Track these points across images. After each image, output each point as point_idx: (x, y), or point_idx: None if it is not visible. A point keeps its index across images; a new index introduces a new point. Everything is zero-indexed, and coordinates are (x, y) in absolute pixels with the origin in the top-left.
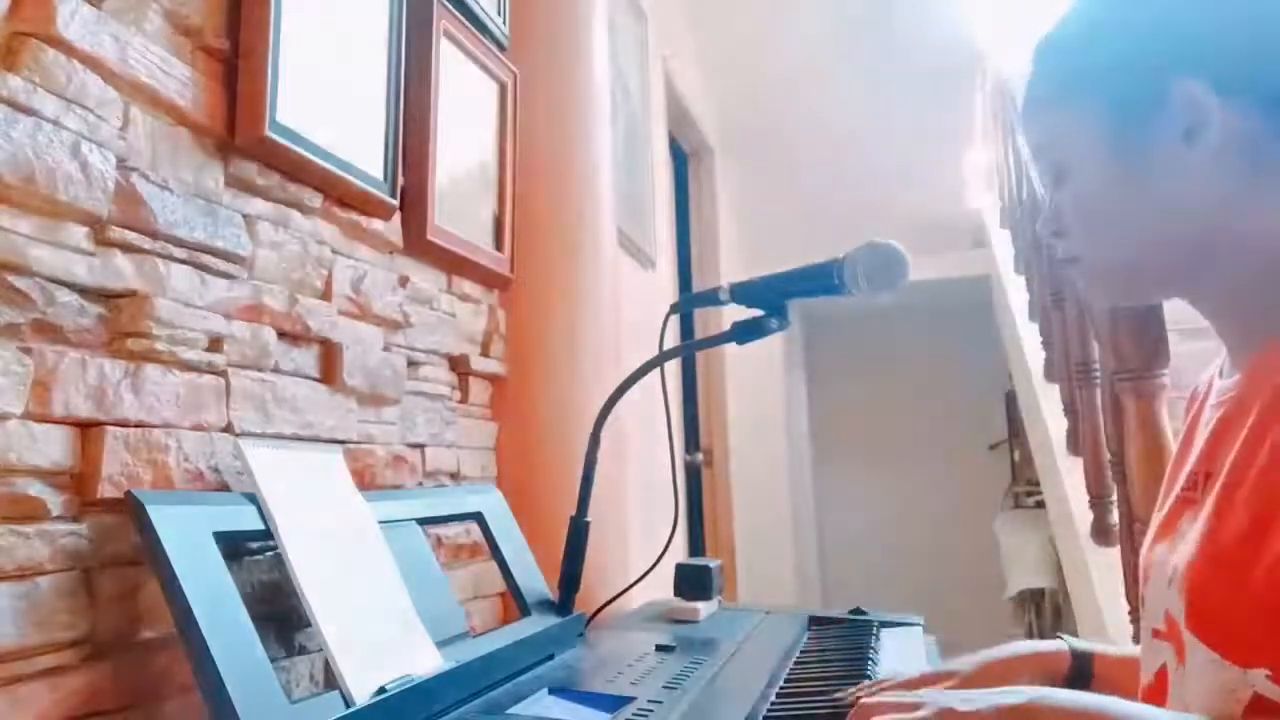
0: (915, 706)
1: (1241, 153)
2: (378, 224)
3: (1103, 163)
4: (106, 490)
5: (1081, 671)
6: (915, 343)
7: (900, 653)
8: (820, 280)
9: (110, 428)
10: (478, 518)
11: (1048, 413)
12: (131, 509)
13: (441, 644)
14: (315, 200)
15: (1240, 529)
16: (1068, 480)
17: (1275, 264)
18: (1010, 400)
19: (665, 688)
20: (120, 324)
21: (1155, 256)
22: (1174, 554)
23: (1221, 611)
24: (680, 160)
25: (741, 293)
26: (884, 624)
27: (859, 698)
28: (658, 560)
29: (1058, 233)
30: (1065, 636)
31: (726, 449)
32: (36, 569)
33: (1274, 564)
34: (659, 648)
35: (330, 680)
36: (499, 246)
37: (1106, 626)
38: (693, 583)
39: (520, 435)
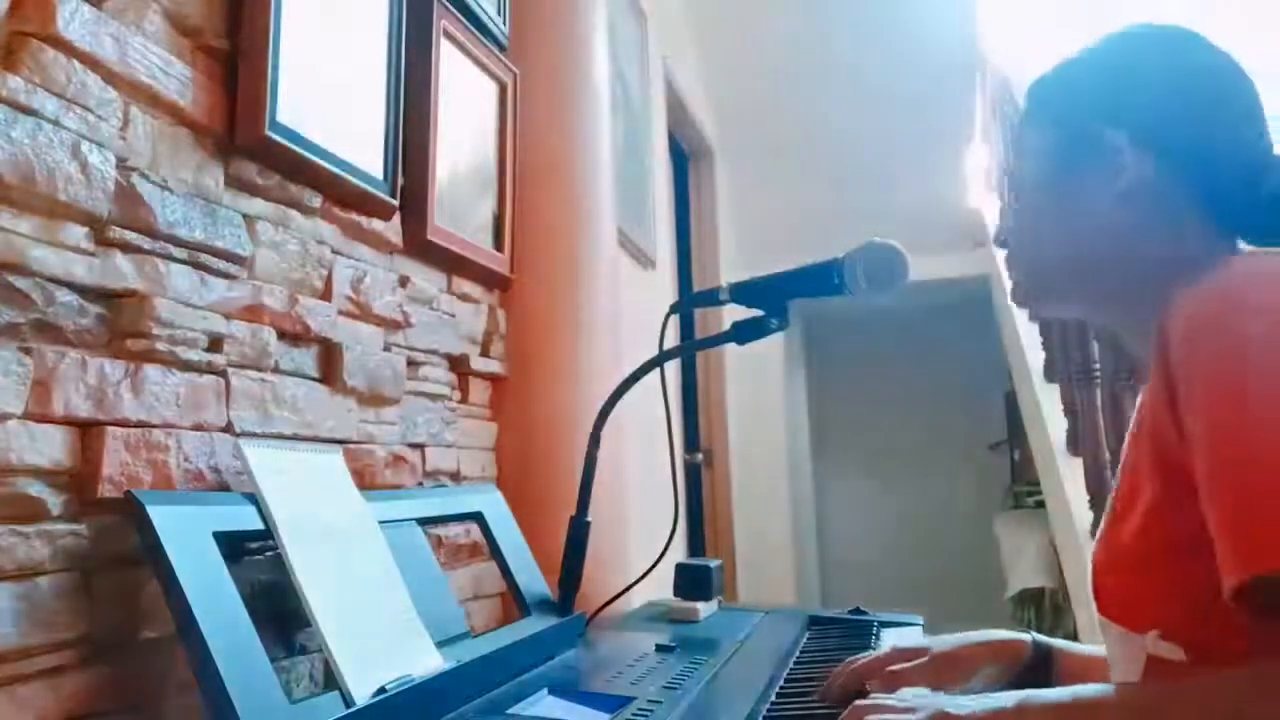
0: (909, 710)
1: (1145, 199)
2: (378, 224)
3: (1045, 181)
4: (106, 490)
5: (1041, 663)
6: (915, 343)
7: None
8: (820, 280)
9: (110, 428)
10: (478, 518)
11: (1048, 413)
12: (131, 509)
13: (441, 644)
14: (315, 200)
15: (1114, 517)
16: (1068, 480)
17: (1153, 291)
18: (1010, 400)
19: (665, 688)
20: (120, 324)
21: (1061, 266)
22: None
23: (1115, 586)
24: (680, 160)
25: (741, 293)
26: (884, 624)
27: (843, 683)
28: (658, 560)
29: (1006, 240)
30: (1033, 633)
31: (726, 449)
32: (36, 569)
33: (1138, 528)
34: (659, 648)
35: (330, 680)
36: (499, 246)
37: None
38: (693, 583)
39: (520, 435)
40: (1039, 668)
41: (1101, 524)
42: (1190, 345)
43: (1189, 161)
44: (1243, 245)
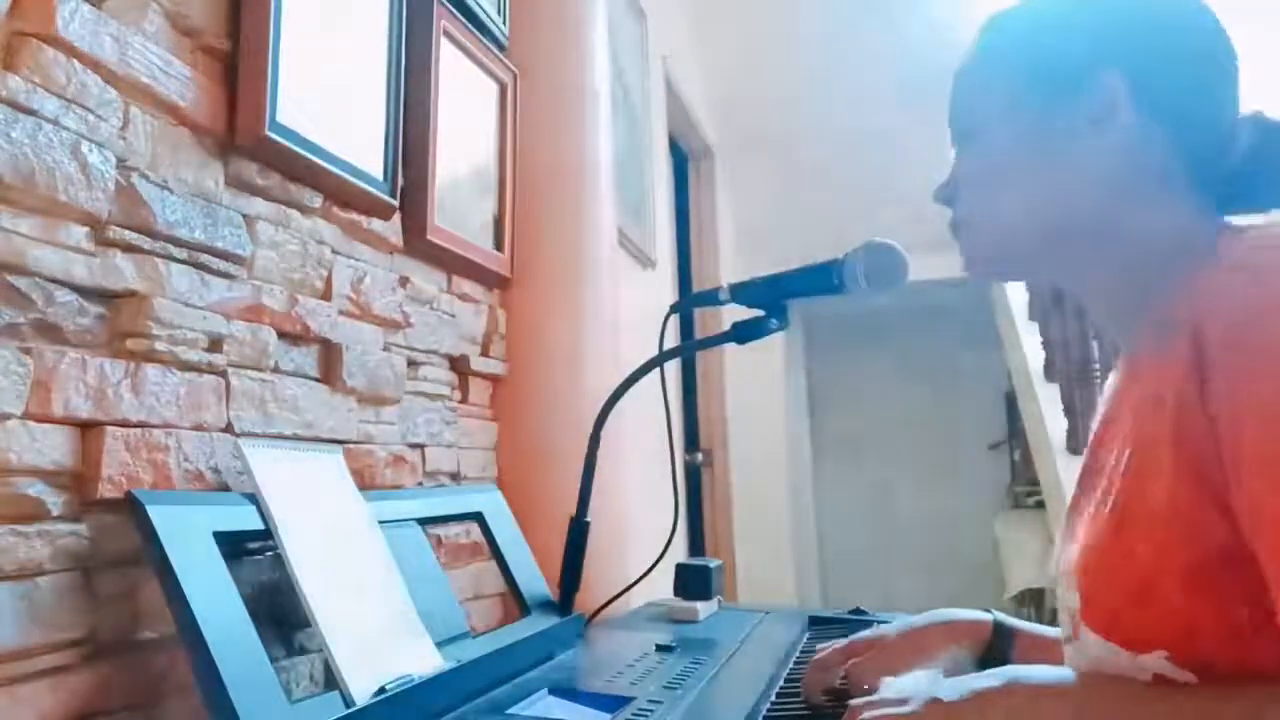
0: (902, 702)
1: (1133, 153)
2: (378, 224)
3: (1014, 128)
4: (106, 490)
5: (1002, 644)
6: (915, 343)
7: None
8: (820, 280)
9: (110, 428)
10: (478, 518)
11: (1048, 413)
12: (131, 509)
13: (441, 644)
14: (315, 200)
15: (1114, 522)
16: (1067, 480)
17: (1140, 261)
18: (1010, 400)
19: (665, 688)
20: (120, 324)
21: (1035, 227)
22: (1066, 553)
23: (1110, 603)
24: (680, 160)
25: (741, 293)
26: (883, 624)
27: (819, 680)
28: (658, 560)
29: (950, 197)
30: (994, 612)
31: (726, 449)
32: (36, 569)
33: (1156, 546)
34: (659, 648)
35: (330, 680)
36: (499, 246)
37: None
38: (693, 583)
39: (520, 435)
40: (1001, 647)
41: (1086, 523)
42: (1240, 358)
43: (1178, 118)
44: None
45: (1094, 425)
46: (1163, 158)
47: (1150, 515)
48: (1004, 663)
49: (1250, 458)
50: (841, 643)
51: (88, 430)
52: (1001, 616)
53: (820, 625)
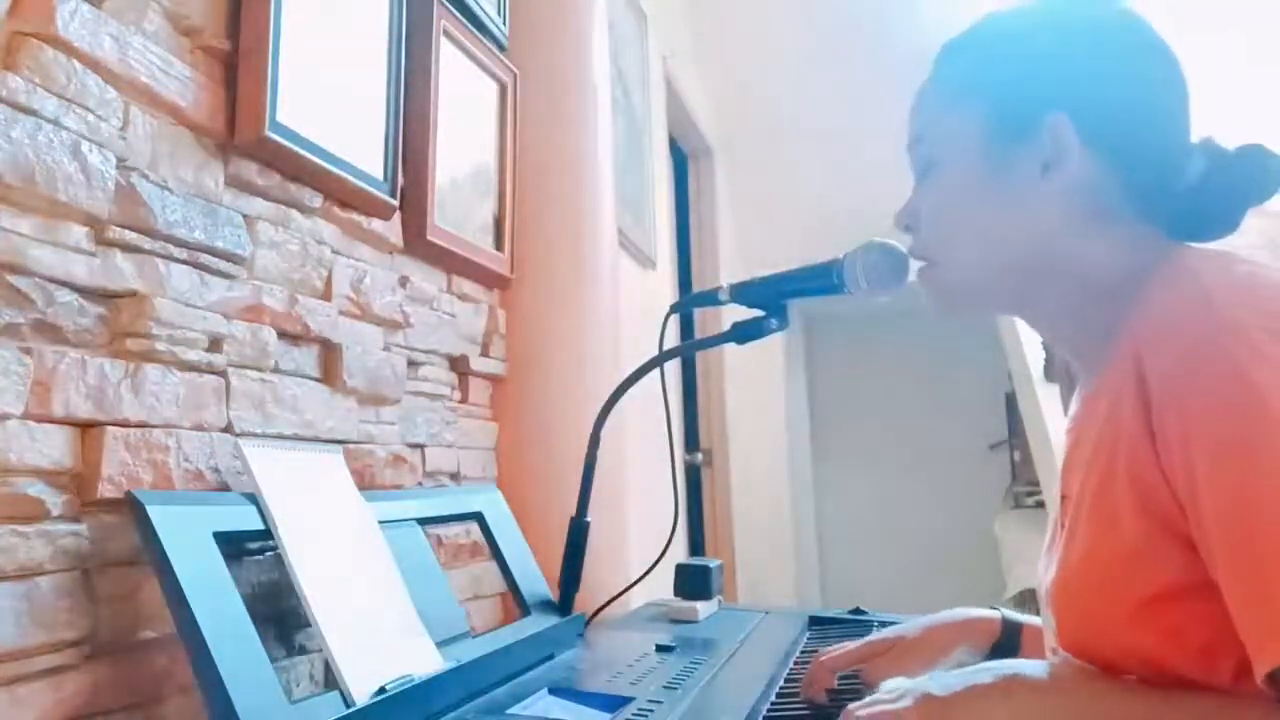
0: (896, 699)
1: (1085, 195)
2: (378, 224)
3: (968, 168)
4: (106, 490)
5: (1010, 639)
6: (915, 343)
7: None
8: (820, 280)
9: (110, 428)
10: (478, 518)
11: (1048, 413)
12: (131, 509)
13: (441, 644)
14: (315, 200)
15: (1083, 549)
16: None
17: (1091, 295)
18: (1010, 400)
19: (665, 688)
20: (120, 324)
21: (990, 268)
22: (1046, 576)
23: (1080, 634)
24: (680, 160)
25: (741, 293)
26: (883, 624)
27: (821, 682)
28: (658, 560)
29: (910, 227)
30: (1000, 608)
31: (726, 449)
32: (36, 569)
33: (1120, 575)
34: (659, 648)
35: (330, 680)
36: (499, 246)
37: None
38: (693, 583)
39: (520, 435)
40: (1009, 642)
41: (1057, 546)
42: (1183, 388)
43: (1127, 151)
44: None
45: (1062, 451)
46: (1111, 191)
47: (1109, 553)
48: (1013, 655)
49: (1211, 495)
50: (855, 644)
51: (88, 430)
52: (1009, 612)
53: (820, 625)
